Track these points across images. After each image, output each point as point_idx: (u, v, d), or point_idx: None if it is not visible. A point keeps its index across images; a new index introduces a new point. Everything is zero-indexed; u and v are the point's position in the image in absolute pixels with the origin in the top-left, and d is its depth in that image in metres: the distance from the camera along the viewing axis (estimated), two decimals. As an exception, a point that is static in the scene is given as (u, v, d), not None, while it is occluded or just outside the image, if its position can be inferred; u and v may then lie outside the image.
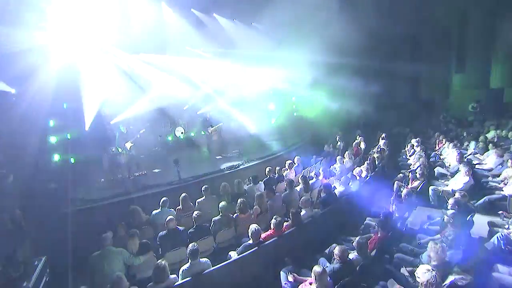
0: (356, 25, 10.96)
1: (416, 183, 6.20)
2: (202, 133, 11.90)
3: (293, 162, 7.55)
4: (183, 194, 5.48)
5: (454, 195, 5.12)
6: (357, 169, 6.63)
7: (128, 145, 8.16)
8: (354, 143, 9.77)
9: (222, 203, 4.92)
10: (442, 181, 6.56)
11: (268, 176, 6.76)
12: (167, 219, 4.38)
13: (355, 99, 13.12)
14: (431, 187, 6.15)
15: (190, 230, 4.55)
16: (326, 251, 4.12)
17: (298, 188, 6.00)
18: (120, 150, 8.12)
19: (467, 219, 4.04)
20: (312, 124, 12.44)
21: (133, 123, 9.36)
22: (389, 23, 11.78)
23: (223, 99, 11.22)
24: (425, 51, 13.36)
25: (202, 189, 5.71)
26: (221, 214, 4.87)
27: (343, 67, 11.11)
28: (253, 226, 3.99)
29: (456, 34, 12.72)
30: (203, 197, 5.68)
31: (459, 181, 5.70)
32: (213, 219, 4.86)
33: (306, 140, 11.41)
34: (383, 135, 9.57)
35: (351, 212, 5.38)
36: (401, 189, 6.29)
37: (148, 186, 6.88)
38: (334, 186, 6.46)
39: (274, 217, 4.19)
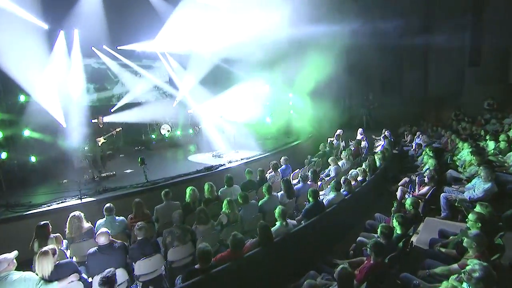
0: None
1: (424, 189, 5.11)
2: (190, 131, 11.19)
3: (279, 163, 6.51)
4: (136, 199, 4.53)
5: (472, 204, 4.05)
6: (353, 172, 5.56)
7: (100, 140, 7.29)
8: (354, 141, 8.68)
9: (176, 212, 3.93)
10: (456, 186, 5.44)
11: (248, 179, 5.75)
12: (98, 232, 3.42)
13: (358, 95, 12.04)
14: (442, 194, 5.05)
15: (131, 246, 3.59)
16: (302, 280, 3.08)
17: (279, 194, 4.98)
18: (87, 146, 7.29)
19: (495, 241, 2.96)
20: (311, 122, 11.40)
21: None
22: (396, 12, 10.62)
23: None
24: (434, 43, 12.14)
25: (162, 193, 4.76)
26: (175, 225, 3.89)
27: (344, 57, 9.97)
28: (202, 245, 3.00)
29: (470, 23, 11.47)
30: (163, 203, 4.73)
31: (478, 188, 4.58)
32: (164, 231, 3.89)
33: (302, 139, 10.35)
34: (386, 132, 8.46)
35: (342, 226, 4.33)
36: (406, 196, 5.26)
37: (109, 188, 5.94)
38: (325, 192, 5.45)
39: (232, 233, 3.17)
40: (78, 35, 9.02)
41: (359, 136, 8.99)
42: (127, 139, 10.88)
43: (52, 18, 8.07)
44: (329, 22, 9.29)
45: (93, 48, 10.00)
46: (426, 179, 5.19)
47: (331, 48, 9.74)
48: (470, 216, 3.06)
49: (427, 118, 11.87)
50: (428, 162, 6.24)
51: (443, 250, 3.22)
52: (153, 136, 10.67)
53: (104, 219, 4.29)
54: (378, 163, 6.42)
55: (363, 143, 8.50)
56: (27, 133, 6.82)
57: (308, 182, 5.47)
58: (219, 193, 5.28)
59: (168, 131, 10.98)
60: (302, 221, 4.18)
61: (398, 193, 5.50)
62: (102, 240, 3.34)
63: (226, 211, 4.25)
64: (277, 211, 3.75)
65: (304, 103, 11.45)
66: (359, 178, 5.46)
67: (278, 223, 3.75)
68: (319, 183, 5.80)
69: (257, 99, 11.38)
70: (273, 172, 6.25)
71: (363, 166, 5.91)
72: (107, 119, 9.17)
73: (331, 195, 4.65)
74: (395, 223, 3.53)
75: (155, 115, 10.82)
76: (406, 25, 11.01)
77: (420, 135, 8.91)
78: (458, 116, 11.14)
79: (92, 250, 3.39)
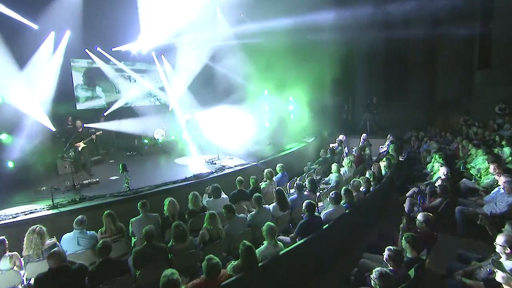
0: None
1: (436, 201, 4.51)
2: (184, 136, 10.76)
3: (274, 171, 5.94)
4: (107, 211, 3.99)
5: (496, 222, 3.45)
6: (355, 181, 4.98)
7: (80, 145, 6.86)
8: (357, 147, 8.10)
9: (147, 227, 3.38)
10: (473, 198, 4.83)
11: (238, 189, 5.20)
12: (50, 252, 2.88)
13: (362, 98, 11.50)
14: (457, 208, 4.45)
15: (91, 269, 3.04)
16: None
17: (271, 206, 4.41)
18: (70, 152, 6.85)
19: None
20: (312, 127, 10.87)
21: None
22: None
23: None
24: (441, 44, 11.58)
25: (138, 204, 4.23)
26: (146, 243, 3.34)
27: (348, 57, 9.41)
28: (168, 272, 2.45)
29: (478, 22, 10.91)
30: (140, 216, 4.20)
31: (500, 201, 3.98)
32: (133, 250, 3.34)
33: (302, 145, 9.79)
34: (392, 137, 7.88)
35: (341, 245, 3.74)
36: (415, 208, 4.67)
37: (86, 197, 5.42)
38: (323, 204, 4.87)
39: (207, 257, 2.62)
40: (68, 36, 8.71)
41: (362, 142, 8.42)
42: (119, 144, 10.50)
43: (45, 19, 7.80)
44: (332, 10, 8.72)
45: (86, 50, 9.70)
46: (438, 189, 4.60)
47: (331, 47, 9.26)
48: (499, 240, 2.47)
49: (434, 123, 11.28)
50: (438, 170, 5.64)
51: (466, 281, 2.62)
52: (146, 141, 10.21)
53: (72, 233, 3.77)
54: (383, 171, 5.84)
55: (368, 150, 7.92)
56: (3, 137, 6.39)
57: (305, 193, 4.90)
58: (205, 204, 4.75)
59: (162, 135, 10.54)
60: (297, 239, 3.62)
61: (406, 206, 4.90)
62: (51, 263, 2.79)
63: (208, 226, 3.70)
64: (264, 228, 3.18)
65: (301, 108, 10.94)
66: (362, 189, 4.87)
67: (265, 243, 3.18)
68: (317, 193, 5.22)
69: (255, 108, 10.91)
70: (267, 180, 5.68)
71: (367, 175, 5.32)
72: (102, 123, 9.07)
73: (330, 208, 4.08)
74: (404, 244, 2.95)
75: (149, 120, 10.44)
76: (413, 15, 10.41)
77: (428, 141, 8.33)
78: (467, 121, 10.52)
79: (40, 274, 2.85)
